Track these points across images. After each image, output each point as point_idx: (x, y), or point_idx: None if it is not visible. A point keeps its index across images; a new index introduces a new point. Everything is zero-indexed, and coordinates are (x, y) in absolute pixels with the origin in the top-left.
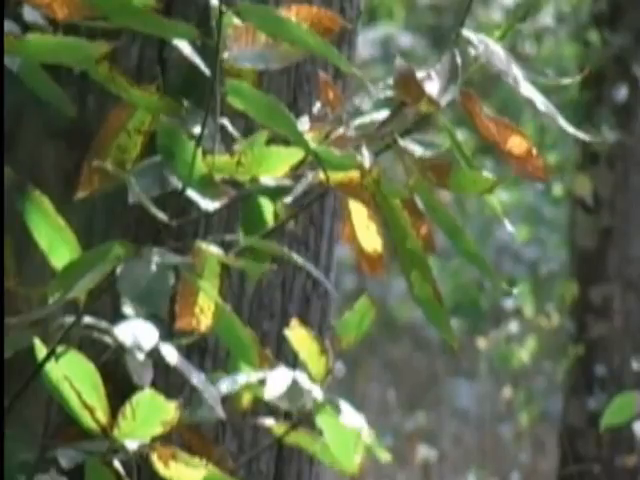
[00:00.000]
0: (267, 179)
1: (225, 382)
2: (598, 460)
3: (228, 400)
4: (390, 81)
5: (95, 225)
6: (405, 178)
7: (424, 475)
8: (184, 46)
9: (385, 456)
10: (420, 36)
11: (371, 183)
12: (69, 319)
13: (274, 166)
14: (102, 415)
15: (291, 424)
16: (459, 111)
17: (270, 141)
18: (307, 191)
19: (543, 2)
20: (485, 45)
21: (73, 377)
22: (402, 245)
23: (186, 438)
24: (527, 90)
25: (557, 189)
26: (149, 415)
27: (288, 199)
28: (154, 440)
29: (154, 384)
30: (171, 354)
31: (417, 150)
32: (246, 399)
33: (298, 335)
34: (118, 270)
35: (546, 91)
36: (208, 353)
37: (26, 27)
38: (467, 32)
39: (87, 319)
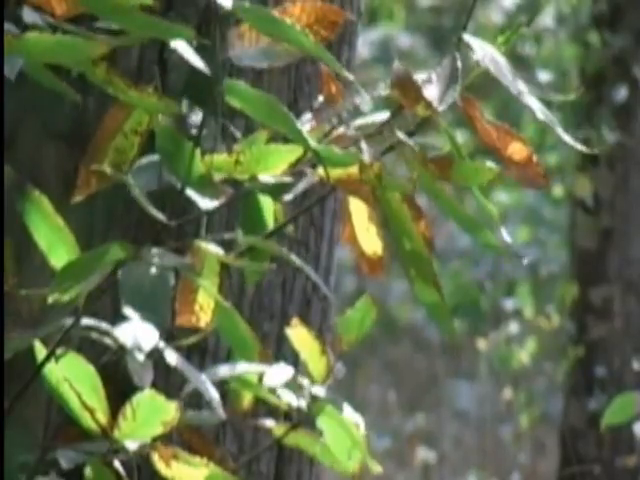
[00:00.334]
0: (266, 177)
1: (222, 369)
2: (598, 461)
3: (228, 401)
4: (388, 82)
5: (95, 226)
6: (407, 176)
7: (424, 476)
8: (183, 47)
9: (376, 468)
10: (420, 37)
11: (371, 177)
12: (69, 320)
13: (273, 164)
14: (102, 416)
15: (291, 425)
16: (459, 112)
17: (270, 140)
18: (308, 193)
19: (543, 3)
20: (486, 52)
21: (73, 378)
22: (402, 241)
23: (186, 438)
24: (527, 99)
25: (557, 190)
26: (149, 415)
27: (288, 197)
28: (155, 440)
29: (154, 385)
30: (171, 355)
31: (424, 152)
32: (246, 400)
33: (299, 335)
34: (119, 273)
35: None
36: (208, 354)
37: (25, 29)
38: (468, 37)
39: (87, 320)
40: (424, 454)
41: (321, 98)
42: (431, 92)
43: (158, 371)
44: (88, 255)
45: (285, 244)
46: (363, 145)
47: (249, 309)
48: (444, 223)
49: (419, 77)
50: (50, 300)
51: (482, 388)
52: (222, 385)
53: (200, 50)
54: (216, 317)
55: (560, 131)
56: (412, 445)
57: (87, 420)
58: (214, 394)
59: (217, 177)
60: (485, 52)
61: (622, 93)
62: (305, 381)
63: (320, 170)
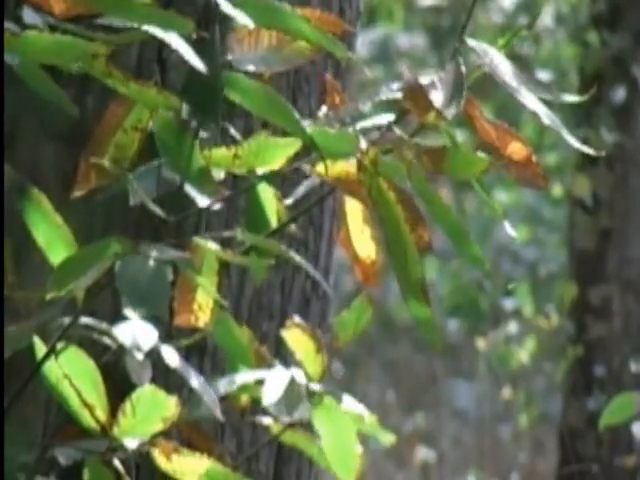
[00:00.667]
0: (264, 171)
1: (222, 382)
2: (597, 461)
3: (226, 399)
4: (392, 85)
5: (94, 225)
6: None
7: (423, 476)
8: (182, 46)
9: (389, 438)
10: (419, 37)
11: (369, 168)
12: (68, 319)
13: (271, 158)
14: (102, 413)
15: (290, 423)
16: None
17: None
18: (307, 193)
19: (542, 3)
20: (489, 56)
21: (73, 375)
22: (395, 242)
23: (186, 436)
24: (531, 102)
25: (556, 190)
26: (149, 411)
27: (289, 201)
28: (155, 437)
29: (153, 384)
30: (170, 355)
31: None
32: (244, 398)
33: (294, 335)
34: (116, 266)
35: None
36: (207, 354)
37: (25, 28)
38: (471, 41)
39: (86, 319)
40: (423, 454)
41: (324, 108)
42: (436, 98)
43: (157, 371)
44: (86, 250)
45: (284, 243)
46: (360, 136)
47: (248, 309)
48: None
49: (423, 80)
50: (48, 296)
51: (481, 388)
52: None
53: (199, 50)
54: (212, 323)
55: (565, 133)
56: (411, 445)
57: (86, 418)
58: (212, 396)
59: (217, 175)
60: (489, 56)
61: (621, 93)
62: (302, 378)
63: (319, 167)
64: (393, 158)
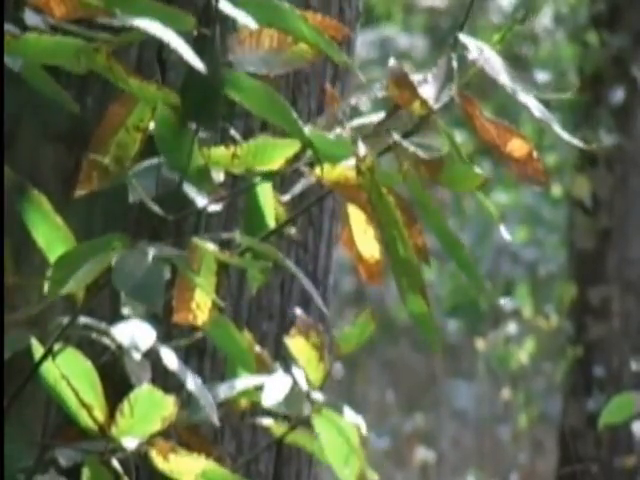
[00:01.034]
0: (263, 171)
1: (222, 388)
2: (597, 461)
3: (226, 402)
4: (385, 82)
5: (94, 226)
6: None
7: (423, 476)
8: (182, 46)
9: (372, 476)
10: (418, 38)
11: (366, 174)
12: (67, 318)
13: (270, 158)
14: (100, 413)
15: (290, 424)
16: (458, 112)
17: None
18: (306, 192)
19: (541, 3)
20: (481, 51)
21: (71, 375)
22: (394, 247)
23: (184, 438)
24: (523, 97)
25: (556, 190)
26: (148, 411)
27: (286, 198)
28: (153, 437)
29: (152, 385)
30: (169, 357)
31: (416, 152)
32: (244, 402)
33: (297, 343)
34: (113, 261)
35: (544, 92)
36: (206, 355)
37: (25, 29)
38: (464, 37)
39: (85, 320)
40: (423, 454)
41: (324, 117)
42: (427, 91)
43: (156, 372)
44: (85, 245)
45: (283, 244)
46: (359, 141)
47: (248, 309)
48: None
49: (416, 77)
50: (46, 291)
51: (481, 388)
52: None
53: (199, 49)
54: (211, 323)
55: (558, 128)
56: (411, 445)
57: (85, 418)
58: (210, 400)
59: (216, 176)
60: (480, 51)
61: (620, 94)
62: (303, 382)
63: (317, 169)
64: (390, 158)
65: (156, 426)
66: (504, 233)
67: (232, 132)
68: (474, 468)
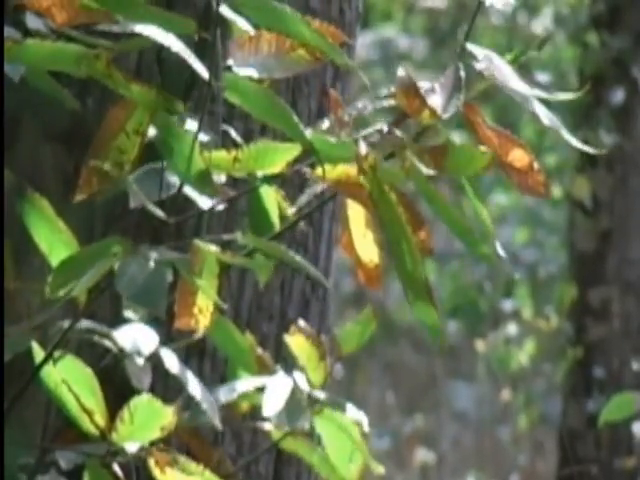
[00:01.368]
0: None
1: (223, 391)
2: (597, 462)
3: (227, 406)
4: (391, 88)
5: (94, 229)
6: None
7: (423, 477)
8: (182, 49)
9: (378, 469)
10: (418, 38)
11: (368, 173)
12: (68, 322)
13: (271, 162)
14: (100, 418)
15: (290, 431)
16: (459, 115)
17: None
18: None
19: (542, 4)
20: (489, 60)
21: (71, 381)
22: (397, 244)
23: (185, 441)
24: (532, 105)
25: (556, 191)
26: (147, 419)
27: (292, 210)
28: (153, 443)
29: (153, 388)
30: (170, 360)
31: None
32: (245, 405)
33: (297, 341)
34: (115, 265)
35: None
36: (207, 356)
37: (26, 33)
38: (471, 46)
39: (87, 323)
40: (423, 455)
41: (327, 122)
42: (435, 101)
43: (157, 374)
44: (86, 250)
45: (284, 245)
46: (360, 140)
47: (248, 310)
48: (443, 224)
49: (423, 86)
50: (48, 295)
51: (481, 389)
52: None
53: (199, 53)
54: (212, 326)
55: (566, 135)
56: (411, 446)
57: (85, 422)
58: (212, 403)
59: (218, 179)
60: (489, 61)
61: (621, 94)
62: (304, 383)
63: (319, 170)
64: (394, 161)
65: (155, 434)
66: (495, 246)
67: (233, 134)
68: (474, 469)
